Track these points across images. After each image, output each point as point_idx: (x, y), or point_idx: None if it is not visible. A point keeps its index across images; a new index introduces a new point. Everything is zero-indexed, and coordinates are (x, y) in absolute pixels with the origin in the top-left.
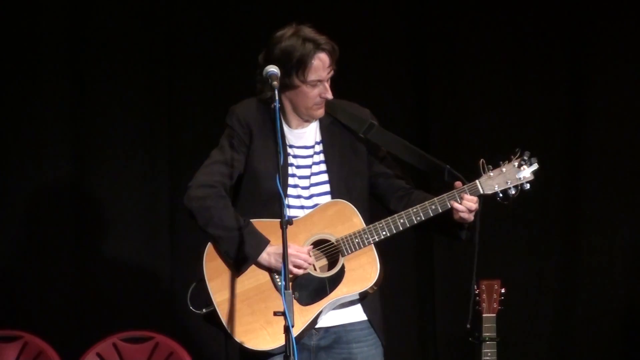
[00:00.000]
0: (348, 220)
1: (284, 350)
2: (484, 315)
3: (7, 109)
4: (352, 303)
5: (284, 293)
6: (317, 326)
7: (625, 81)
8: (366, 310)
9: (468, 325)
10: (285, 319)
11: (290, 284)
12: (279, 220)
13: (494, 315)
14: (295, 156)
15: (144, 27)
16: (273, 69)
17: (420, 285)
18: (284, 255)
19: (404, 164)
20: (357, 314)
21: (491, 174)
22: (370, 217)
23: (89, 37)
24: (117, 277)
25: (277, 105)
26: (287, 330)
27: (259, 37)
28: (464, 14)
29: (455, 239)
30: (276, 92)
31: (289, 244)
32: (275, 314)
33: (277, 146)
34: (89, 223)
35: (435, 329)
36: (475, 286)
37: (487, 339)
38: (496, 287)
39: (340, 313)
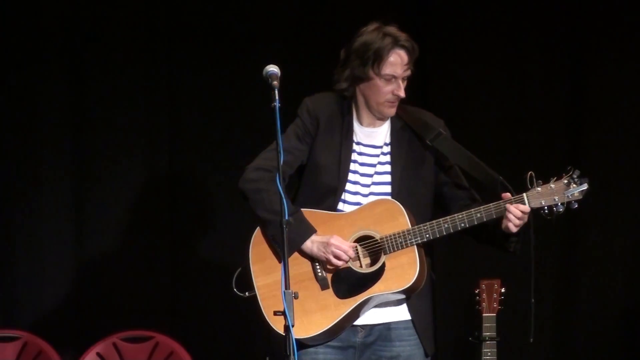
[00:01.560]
0: (395, 219)
1: (319, 341)
2: (484, 315)
3: (7, 109)
4: (397, 303)
5: (284, 293)
6: (361, 323)
7: (625, 81)
8: (411, 310)
9: (531, 339)
10: (286, 318)
11: (330, 275)
12: (331, 212)
13: (494, 315)
14: (360, 153)
15: (144, 27)
16: (273, 68)
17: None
18: (284, 255)
19: (468, 176)
20: (401, 313)
21: (539, 189)
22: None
23: (89, 37)
24: (117, 277)
25: (277, 105)
26: (287, 330)
27: (258, 37)
28: (463, 12)
29: (504, 251)
30: (276, 91)
31: (333, 235)
32: (275, 313)
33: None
34: (88, 223)
35: (435, 329)
36: (533, 300)
37: (487, 338)
38: (496, 287)
39: (385, 311)
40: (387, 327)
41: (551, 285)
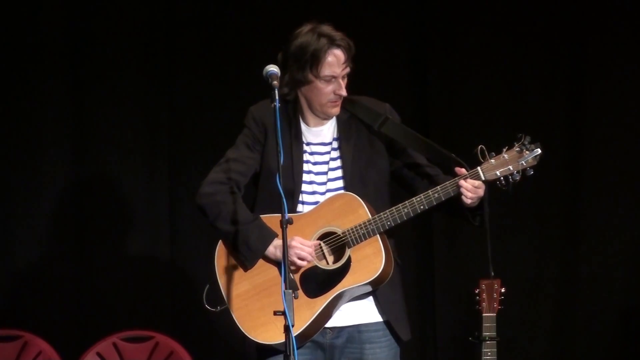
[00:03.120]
0: (354, 212)
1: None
2: (484, 315)
3: (6, 109)
4: (365, 296)
5: (284, 292)
6: (330, 325)
7: (626, 81)
8: (382, 311)
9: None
10: (286, 318)
11: (297, 276)
12: (290, 215)
13: (494, 314)
14: (312, 153)
15: (144, 27)
16: (273, 68)
17: (420, 285)
18: (284, 255)
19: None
20: (372, 314)
21: (492, 161)
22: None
23: (89, 37)
24: (117, 277)
25: (277, 105)
26: (287, 329)
27: (258, 37)
28: (463, 11)
29: (468, 224)
30: (276, 91)
31: (294, 236)
32: (275, 313)
33: (278, 146)
34: (89, 223)
35: (435, 329)
36: (492, 273)
37: (487, 338)
38: (496, 286)
39: (355, 313)
40: (357, 329)
41: (551, 285)
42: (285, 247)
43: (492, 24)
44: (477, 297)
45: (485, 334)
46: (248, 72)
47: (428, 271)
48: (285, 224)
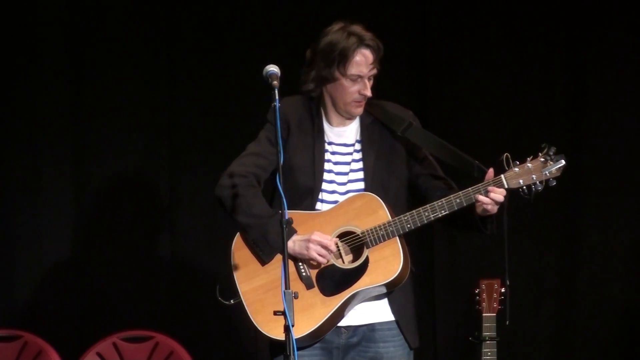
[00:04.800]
0: (374, 212)
1: (305, 343)
2: (484, 314)
3: (6, 109)
4: (378, 298)
5: (284, 292)
6: (345, 324)
7: (626, 81)
8: (394, 310)
9: (507, 322)
10: (286, 318)
11: (314, 273)
12: (310, 212)
13: (494, 314)
14: (333, 153)
15: (144, 27)
16: (273, 68)
17: (420, 285)
18: (284, 256)
19: (441, 163)
20: (385, 313)
21: (516, 169)
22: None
23: (89, 37)
24: (117, 277)
25: (277, 105)
26: (287, 330)
27: (258, 37)
28: (464, 11)
29: (480, 232)
30: (276, 91)
31: (315, 231)
32: (275, 313)
33: (279, 146)
34: (88, 223)
35: (435, 329)
36: (508, 281)
37: (487, 338)
38: (496, 286)
39: (369, 312)
40: (370, 328)
41: (551, 284)
42: (285, 248)
43: (492, 23)
44: (477, 297)
45: (485, 334)
46: (248, 72)
47: (428, 271)
48: (285, 224)
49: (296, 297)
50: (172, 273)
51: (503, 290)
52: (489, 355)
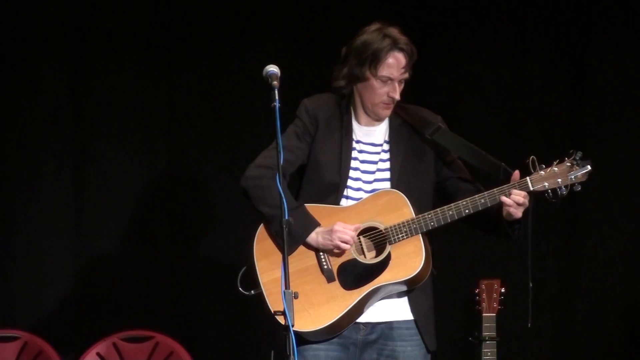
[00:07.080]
0: (398, 209)
1: (321, 338)
2: (484, 315)
3: (7, 109)
4: (399, 296)
5: (284, 292)
6: (364, 321)
7: (626, 80)
8: (414, 310)
9: (529, 324)
10: (285, 318)
11: (336, 266)
12: (334, 206)
13: (494, 314)
14: (361, 151)
15: (144, 27)
16: (273, 68)
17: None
18: (284, 257)
19: (469, 166)
20: (404, 312)
21: (542, 172)
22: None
23: (89, 37)
24: (117, 277)
25: (277, 105)
26: (287, 329)
27: (258, 37)
28: (463, 8)
29: (505, 237)
30: (276, 91)
31: (337, 222)
32: (275, 313)
33: (279, 146)
34: (89, 223)
35: (435, 329)
36: (531, 284)
37: (487, 338)
38: (496, 286)
39: (388, 310)
40: (389, 326)
41: (551, 284)
42: (285, 248)
43: (493, 23)
44: (477, 297)
45: (485, 334)
46: (248, 71)
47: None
48: (285, 224)
49: (296, 297)
50: (172, 273)
51: (503, 290)
52: (489, 355)
